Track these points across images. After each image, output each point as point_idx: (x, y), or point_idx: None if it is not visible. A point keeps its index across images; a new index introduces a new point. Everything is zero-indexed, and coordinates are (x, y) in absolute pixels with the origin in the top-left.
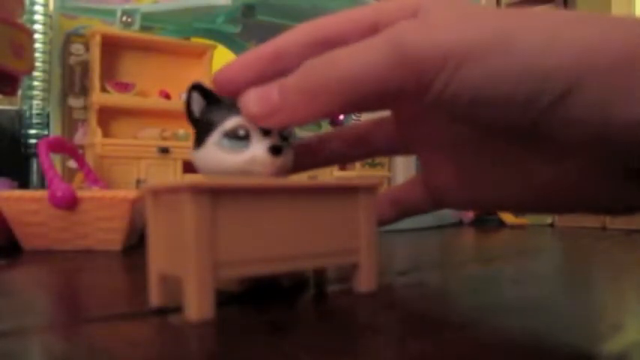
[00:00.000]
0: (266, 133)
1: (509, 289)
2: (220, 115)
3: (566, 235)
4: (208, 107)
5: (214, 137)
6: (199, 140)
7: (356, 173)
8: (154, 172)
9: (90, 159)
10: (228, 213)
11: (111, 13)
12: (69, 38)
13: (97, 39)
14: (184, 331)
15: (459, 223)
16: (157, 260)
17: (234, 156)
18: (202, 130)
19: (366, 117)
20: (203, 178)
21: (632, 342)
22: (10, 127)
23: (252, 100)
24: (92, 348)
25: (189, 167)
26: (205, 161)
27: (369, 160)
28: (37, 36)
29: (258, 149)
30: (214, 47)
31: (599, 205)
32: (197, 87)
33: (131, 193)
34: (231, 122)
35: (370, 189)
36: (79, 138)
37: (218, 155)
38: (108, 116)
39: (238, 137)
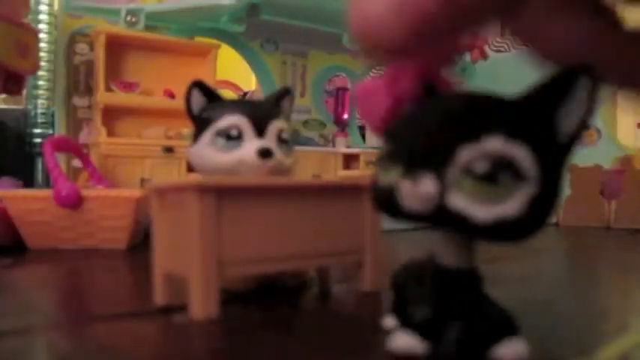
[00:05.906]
0: (260, 134)
1: (514, 288)
2: (217, 113)
3: (571, 234)
4: (207, 105)
5: (208, 135)
6: (195, 136)
7: (360, 172)
8: (159, 171)
9: (94, 158)
10: (233, 212)
11: (115, 12)
12: (74, 38)
13: (102, 38)
14: (189, 329)
15: None
16: (162, 259)
17: (225, 155)
18: (199, 126)
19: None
20: (203, 177)
21: (637, 342)
22: (16, 126)
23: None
24: (98, 346)
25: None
26: (198, 158)
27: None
28: (42, 35)
29: (247, 151)
30: (219, 46)
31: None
32: (197, 84)
33: (136, 192)
34: (225, 121)
35: None
36: (83, 137)
37: (210, 153)
38: (112, 115)
39: (230, 137)
